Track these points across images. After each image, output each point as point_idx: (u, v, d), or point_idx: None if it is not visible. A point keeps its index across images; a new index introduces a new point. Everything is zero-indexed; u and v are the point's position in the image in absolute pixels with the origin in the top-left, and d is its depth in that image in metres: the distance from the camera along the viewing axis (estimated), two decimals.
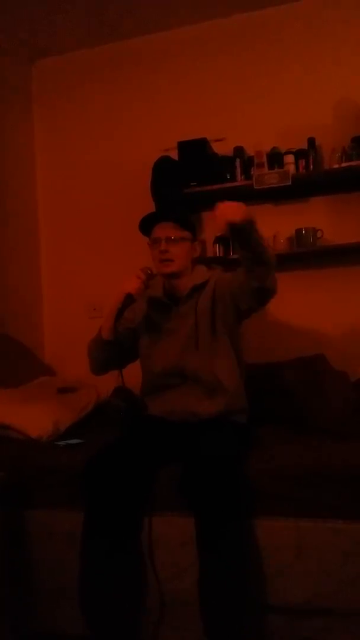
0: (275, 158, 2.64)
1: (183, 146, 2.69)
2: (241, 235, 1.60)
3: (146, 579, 1.65)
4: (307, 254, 2.68)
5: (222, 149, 2.78)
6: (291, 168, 2.60)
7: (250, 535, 1.60)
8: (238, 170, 2.69)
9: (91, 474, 1.62)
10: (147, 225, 1.92)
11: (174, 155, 2.74)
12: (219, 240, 2.77)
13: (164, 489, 1.67)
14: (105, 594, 1.56)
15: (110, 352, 1.92)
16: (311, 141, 2.64)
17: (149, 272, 1.86)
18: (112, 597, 1.56)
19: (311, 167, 2.61)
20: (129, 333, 1.99)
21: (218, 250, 2.76)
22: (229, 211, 1.55)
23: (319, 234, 2.63)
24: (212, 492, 1.50)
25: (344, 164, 2.52)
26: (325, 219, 2.71)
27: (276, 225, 2.71)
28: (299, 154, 2.63)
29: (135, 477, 1.65)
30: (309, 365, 2.37)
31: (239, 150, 2.74)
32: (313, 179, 2.64)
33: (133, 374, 1.99)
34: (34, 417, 2.06)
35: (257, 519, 1.62)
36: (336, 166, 2.54)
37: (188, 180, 2.67)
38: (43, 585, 1.76)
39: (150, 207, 2.69)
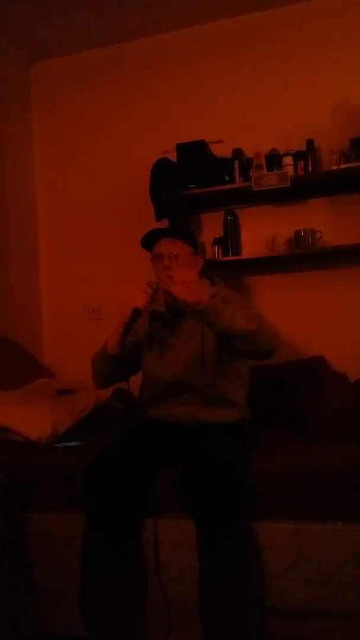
0: (274, 160, 2.64)
1: (181, 148, 2.68)
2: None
3: (147, 580, 1.65)
4: (306, 256, 2.67)
5: (220, 150, 2.78)
6: (290, 169, 2.60)
7: (250, 537, 1.60)
8: (236, 172, 2.69)
9: (91, 476, 1.62)
10: (149, 241, 1.92)
11: (173, 157, 2.74)
12: (217, 241, 2.77)
13: (165, 491, 1.67)
14: (106, 595, 1.56)
15: (115, 366, 1.91)
16: (310, 143, 2.64)
17: (155, 286, 1.84)
18: (113, 598, 1.56)
19: (310, 168, 2.61)
20: (132, 347, 1.98)
21: (217, 252, 2.76)
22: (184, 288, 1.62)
23: (317, 236, 2.63)
24: (214, 493, 1.50)
25: (342, 166, 2.52)
26: (324, 221, 2.71)
27: (275, 227, 2.72)
28: (297, 156, 2.63)
29: (135, 479, 1.64)
30: (308, 367, 2.37)
31: (237, 152, 2.74)
32: (312, 181, 2.64)
33: (132, 377, 2.00)
34: (33, 419, 2.06)
35: (258, 520, 1.62)
36: (335, 168, 2.53)
37: (187, 182, 2.67)
38: (42, 587, 1.76)
39: (149, 209, 2.69)
